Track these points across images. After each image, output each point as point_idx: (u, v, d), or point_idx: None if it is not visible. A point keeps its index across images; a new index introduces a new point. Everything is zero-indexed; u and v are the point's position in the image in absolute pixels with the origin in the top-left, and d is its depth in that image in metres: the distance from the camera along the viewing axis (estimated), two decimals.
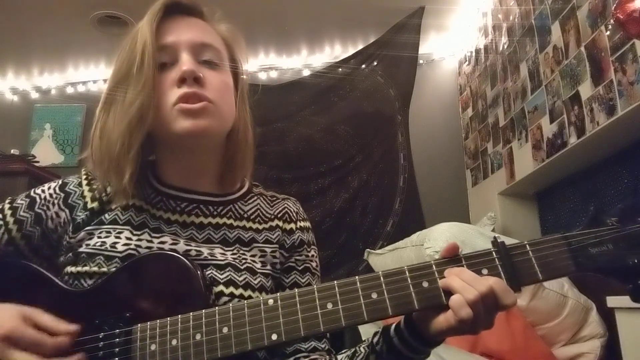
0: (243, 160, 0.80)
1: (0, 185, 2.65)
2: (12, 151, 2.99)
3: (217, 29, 0.81)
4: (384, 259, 2.22)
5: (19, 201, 0.76)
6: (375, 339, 0.70)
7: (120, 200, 0.74)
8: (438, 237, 1.78)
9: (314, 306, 0.59)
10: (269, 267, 0.78)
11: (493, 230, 2.26)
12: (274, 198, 0.86)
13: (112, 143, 0.70)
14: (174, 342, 0.60)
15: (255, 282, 0.74)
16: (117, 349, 0.62)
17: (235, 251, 0.76)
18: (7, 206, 0.76)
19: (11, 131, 3.33)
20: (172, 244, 0.72)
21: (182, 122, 0.70)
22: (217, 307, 0.61)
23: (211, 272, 0.71)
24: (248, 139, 0.81)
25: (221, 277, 0.71)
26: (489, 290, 0.56)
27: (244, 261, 0.75)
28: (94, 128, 0.75)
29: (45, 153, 3.27)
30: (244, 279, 0.73)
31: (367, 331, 1.59)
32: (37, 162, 2.95)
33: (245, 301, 0.61)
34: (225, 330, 0.59)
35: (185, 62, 0.72)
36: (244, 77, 0.83)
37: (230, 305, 0.61)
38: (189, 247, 0.73)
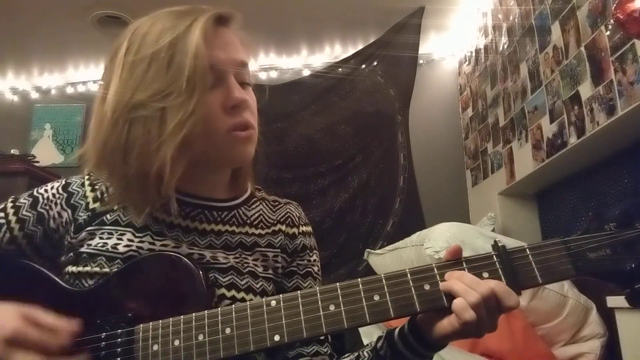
0: (248, 168, 0.82)
1: (0, 185, 2.66)
2: (12, 151, 2.99)
3: (242, 41, 0.76)
4: (384, 259, 2.22)
5: (21, 200, 0.76)
6: (379, 344, 0.70)
7: (134, 217, 0.72)
8: (438, 237, 1.78)
9: (317, 308, 0.59)
10: (270, 271, 0.78)
11: (493, 230, 2.26)
12: (276, 203, 0.87)
13: (149, 165, 0.65)
14: (177, 342, 0.60)
15: (257, 285, 0.74)
16: (119, 349, 0.62)
17: (237, 255, 0.76)
18: (9, 205, 0.76)
19: (11, 131, 3.34)
20: (174, 247, 0.72)
21: (239, 148, 0.72)
22: (219, 308, 0.62)
23: (214, 275, 0.72)
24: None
25: (223, 280, 0.72)
26: (490, 293, 0.56)
27: (246, 265, 0.75)
28: (109, 134, 0.67)
29: (45, 153, 3.27)
30: (246, 282, 0.73)
31: (366, 332, 1.59)
32: (37, 162, 2.96)
33: (248, 302, 0.61)
34: (227, 330, 0.60)
35: (235, 88, 0.70)
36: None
37: (233, 306, 0.61)
38: (191, 251, 0.73)
